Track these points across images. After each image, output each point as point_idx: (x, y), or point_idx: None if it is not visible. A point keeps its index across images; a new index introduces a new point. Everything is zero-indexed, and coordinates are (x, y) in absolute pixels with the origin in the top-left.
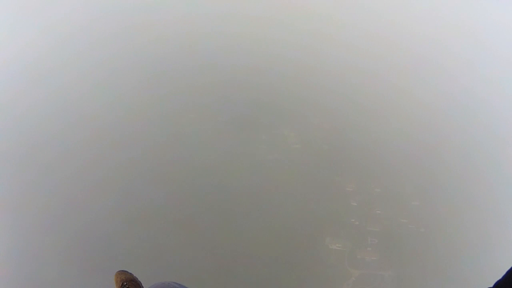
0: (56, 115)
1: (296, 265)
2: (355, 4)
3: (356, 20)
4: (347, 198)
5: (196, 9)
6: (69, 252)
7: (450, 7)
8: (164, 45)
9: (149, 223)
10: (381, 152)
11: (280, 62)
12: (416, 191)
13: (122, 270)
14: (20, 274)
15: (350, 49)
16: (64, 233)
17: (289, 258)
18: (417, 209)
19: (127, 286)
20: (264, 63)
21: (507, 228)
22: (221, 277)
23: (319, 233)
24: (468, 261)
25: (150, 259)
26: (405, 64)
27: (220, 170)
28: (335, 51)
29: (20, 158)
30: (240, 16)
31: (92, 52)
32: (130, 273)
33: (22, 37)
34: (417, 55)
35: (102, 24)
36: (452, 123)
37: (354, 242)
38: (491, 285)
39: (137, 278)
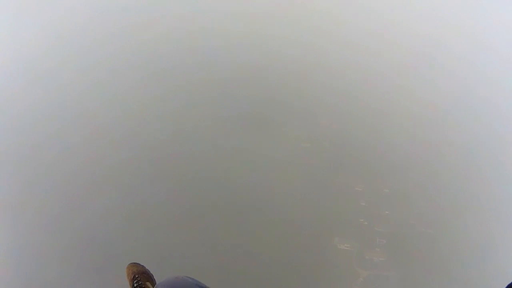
0: (56, 113)
1: (304, 265)
2: (362, 5)
3: (364, 20)
4: (356, 198)
5: (199, 6)
6: (69, 251)
7: (452, 6)
8: (169, 42)
9: (151, 221)
10: (390, 153)
11: (291, 61)
12: (425, 192)
13: (134, 263)
14: (20, 274)
15: (355, 48)
16: (64, 232)
17: (297, 258)
18: (426, 210)
19: (138, 279)
20: (275, 62)
21: None
22: (229, 276)
23: (328, 233)
24: (475, 264)
25: (152, 256)
26: (411, 65)
27: (226, 168)
28: (343, 50)
29: (19, 157)
30: (250, 13)
31: (92, 49)
32: (142, 266)
33: (20, 35)
34: (424, 55)
35: (101, 22)
36: (459, 124)
37: (362, 243)
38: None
39: (149, 271)
